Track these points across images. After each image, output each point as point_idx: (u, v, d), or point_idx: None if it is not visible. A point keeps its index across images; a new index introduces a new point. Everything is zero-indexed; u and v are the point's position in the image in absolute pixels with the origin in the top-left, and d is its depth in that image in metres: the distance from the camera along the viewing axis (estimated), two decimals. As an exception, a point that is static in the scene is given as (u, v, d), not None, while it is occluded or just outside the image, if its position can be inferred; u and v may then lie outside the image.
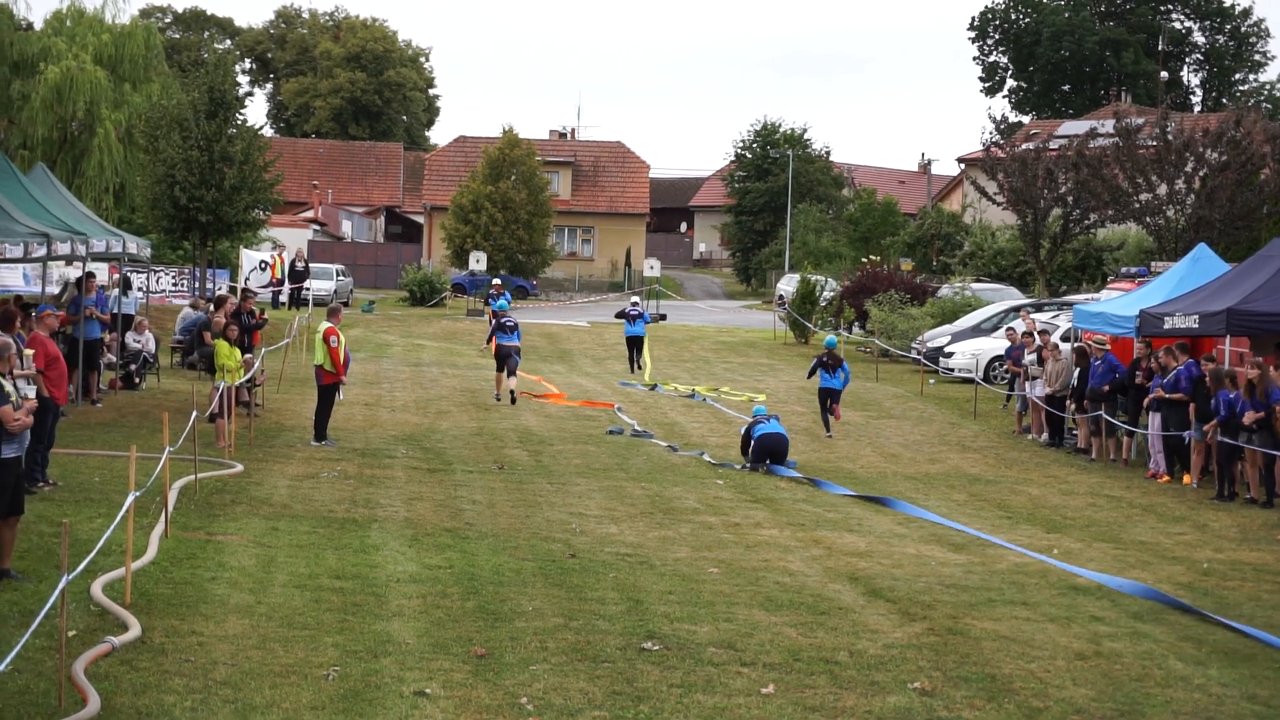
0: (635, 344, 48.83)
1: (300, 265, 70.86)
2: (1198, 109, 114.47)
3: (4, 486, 16.12)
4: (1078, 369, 33.34)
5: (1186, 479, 29.19)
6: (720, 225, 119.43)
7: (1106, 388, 32.12)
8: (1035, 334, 36.60)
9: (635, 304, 49.88)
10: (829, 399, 35.25)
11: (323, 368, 29.26)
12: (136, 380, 36.55)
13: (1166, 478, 29.40)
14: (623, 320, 49.26)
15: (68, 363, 25.19)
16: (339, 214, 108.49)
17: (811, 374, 36.10)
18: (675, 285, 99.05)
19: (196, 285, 59.31)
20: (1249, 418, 26.67)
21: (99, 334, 33.68)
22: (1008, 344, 38.87)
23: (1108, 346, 33.12)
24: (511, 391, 38.00)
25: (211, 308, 35.74)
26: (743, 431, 30.76)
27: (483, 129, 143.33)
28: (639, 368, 48.28)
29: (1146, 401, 30.19)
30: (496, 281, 64.64)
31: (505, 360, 38.29)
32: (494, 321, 40.21)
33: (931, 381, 45.84)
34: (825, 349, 35.72)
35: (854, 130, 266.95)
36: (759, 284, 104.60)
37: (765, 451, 29.26)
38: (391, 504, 23.16)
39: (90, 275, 34.64)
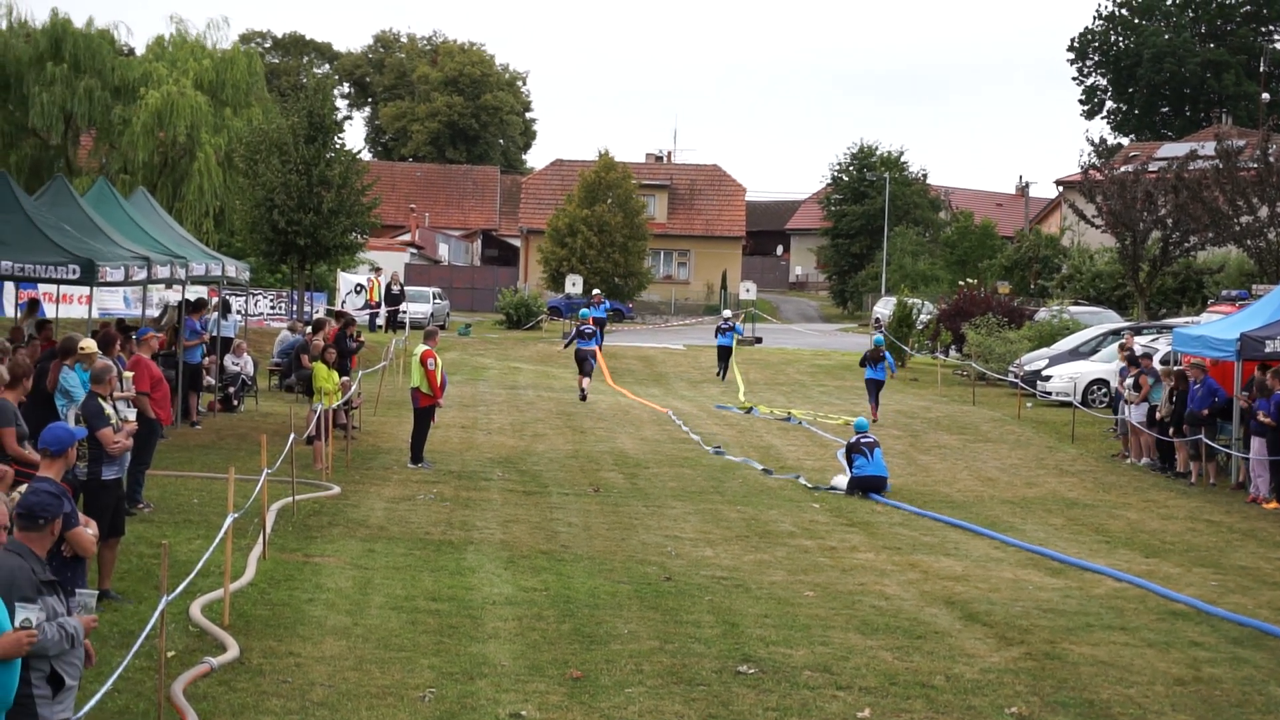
0: (724, 354, 54.94)
1: (396, 288, 71.33)
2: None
3: (104, 508, 16.28)
4: (1176, 393, 32.96)
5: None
6: (816, 248, 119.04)
7: (1206, 411, 31.79)
8: (1136, 358, 36.23)
9: (727, 319, 54.96)
10: (875, 388, 42.01)
11: (419, 390, 29.38)
12: (235, 402, 36.82)
13: (1269, 503, 29.04)
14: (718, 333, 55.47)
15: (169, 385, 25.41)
16: (436, 237, 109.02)
17: (862, 364, 42.86)
18: (771, 308, 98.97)
19: (294, 308, 59.75)
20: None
21: (199, 357, 33.97)
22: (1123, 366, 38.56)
23: (1205, 368, 32.75)
24: (583, 390, 43.79)
25: (309, 330, 36.02)
26: (845, 445, 30.61)
27: (579, 152, 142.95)
28: (725, 375, 53.52)
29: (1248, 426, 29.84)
30: (596, 292, 68.16)
31: (582, 363, 44.08)
32: (575, 328, 46.19)
33: (1029, 405, 45.52)
34: (873, 345, 43.10)
35: (951, 153, 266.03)
36: (855, 307, 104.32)
37: (863, 488, 29.10)
38: (487, 526, 23.24)
39: (202, 301, 35.02)
